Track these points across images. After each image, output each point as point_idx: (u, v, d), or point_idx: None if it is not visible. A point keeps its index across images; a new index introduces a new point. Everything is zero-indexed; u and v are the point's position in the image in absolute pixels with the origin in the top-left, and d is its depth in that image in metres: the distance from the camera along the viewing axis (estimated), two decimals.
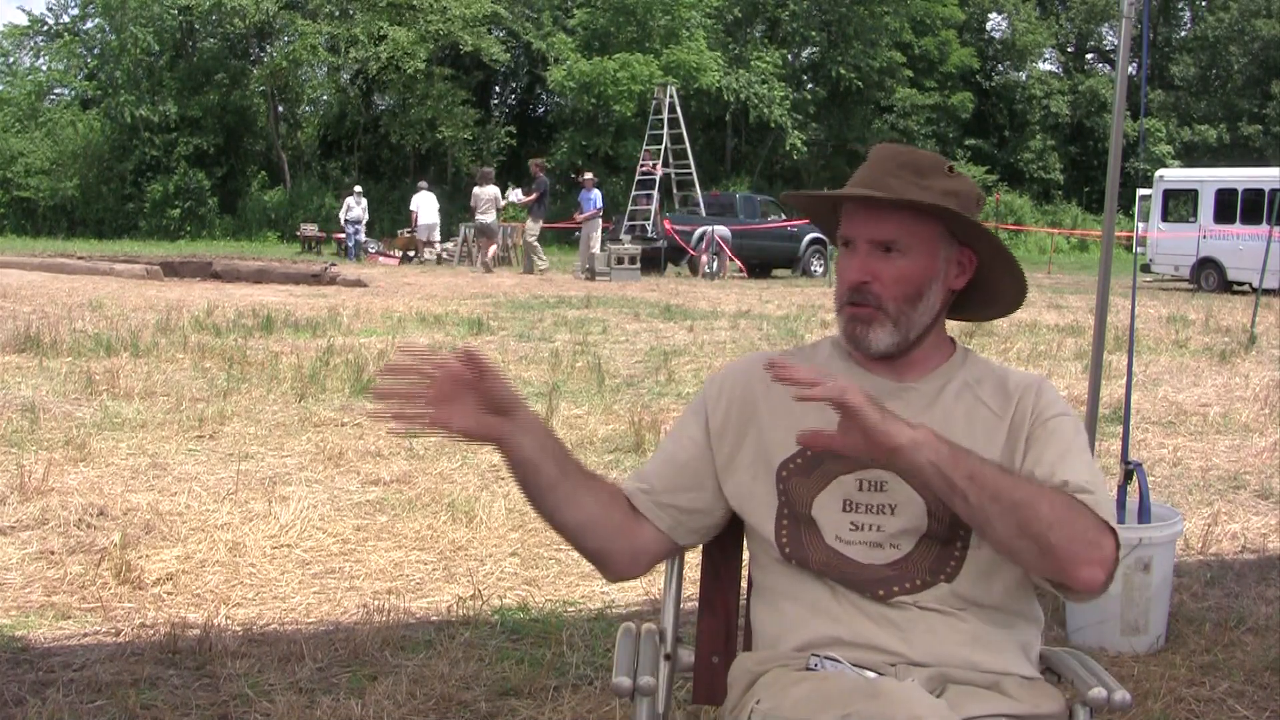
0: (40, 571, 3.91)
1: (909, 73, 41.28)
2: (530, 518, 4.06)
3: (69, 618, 3.53)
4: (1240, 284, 20.82)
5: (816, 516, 1.67)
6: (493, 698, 3.01)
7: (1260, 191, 20.85)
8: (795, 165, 40.05)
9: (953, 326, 1.85)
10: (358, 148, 39.71)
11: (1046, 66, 47.92)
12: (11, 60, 41.31)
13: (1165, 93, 44.86)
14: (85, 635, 3.40)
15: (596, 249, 20.14)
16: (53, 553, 4.08)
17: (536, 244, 21.38)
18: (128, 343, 9.16)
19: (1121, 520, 3.53)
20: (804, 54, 42.57)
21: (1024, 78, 45.56)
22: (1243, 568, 4.29)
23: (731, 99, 37.26)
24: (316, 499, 4.88)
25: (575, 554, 1.80)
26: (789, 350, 1.85)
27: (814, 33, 40.97)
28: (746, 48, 39.27)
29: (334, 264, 20.63)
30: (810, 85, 42.12)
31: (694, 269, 21.54)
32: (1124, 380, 3.99)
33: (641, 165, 25.06)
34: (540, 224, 21.51)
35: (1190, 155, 40.83)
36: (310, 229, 29.43)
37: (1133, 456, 3.72)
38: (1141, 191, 21.96)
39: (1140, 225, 22.79)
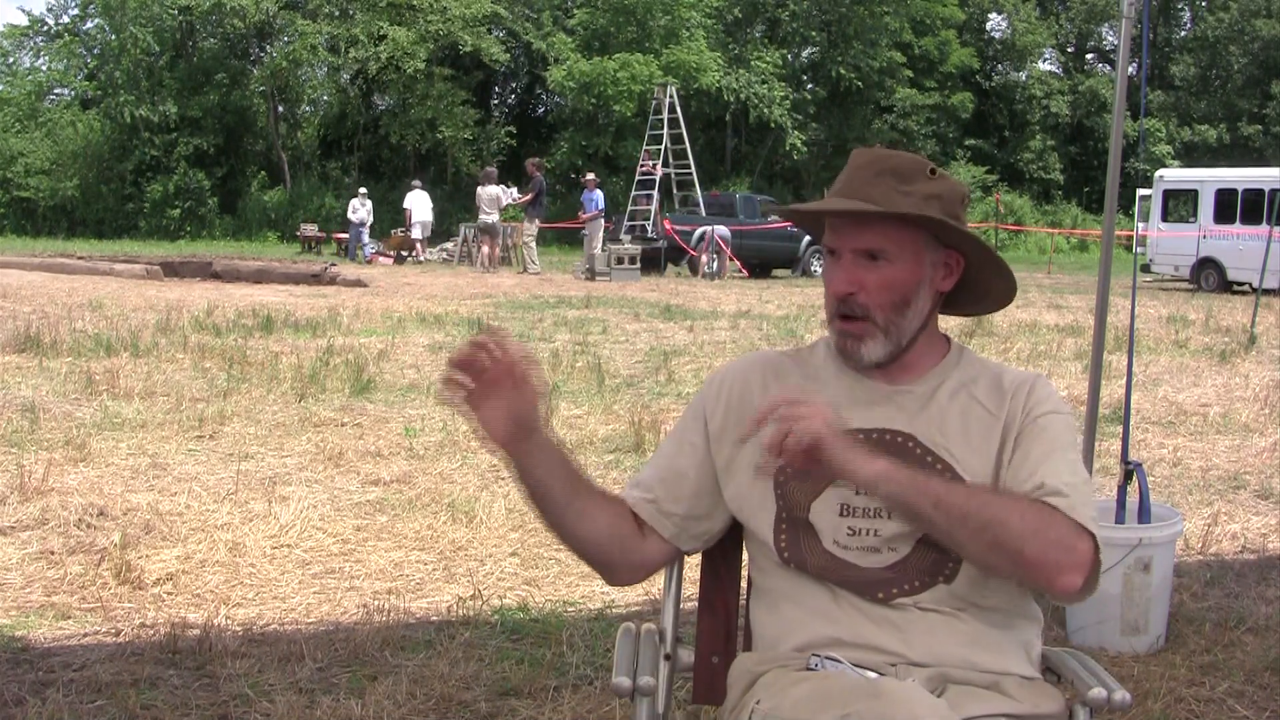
0: (40, 571, 3.91)
1: (909, 73, 41.27)
2: (530, 518, 4.05)
3: (69, 618, 3.53)
4: (1240, 284, 20.82)
5: (814, 521, 1.67)
6: (493, 698, 3.02)
7: (1260, 191, 20.85)
8: (795, 165, 40.05)
9: (953, 326, 1.85)
10: (358, 148, 39.70)
11: (1046, 66, 47.97)
12: (11, 60, 41.32)
13: (1165, 93, 44.86)
14: (85, 635, 3.40)
15: (598, 249, 20.16)
16: (53, 553, 4.08)
17: (533, 245, 21.40)
18: (128, 343, 9.16)
19: (1121, 520, 3.53)
20: (804, 54, 42.56)
21: (1024, 78, 45.57)
22: (1243, 568, 4.29)
23: (731, 99, 37.26)
24: (316, 499, 4.88)
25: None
26: (786, 350, 1.85)
27: (814, 33, 40.96)
28: (746, 48, 39.26)
29: (334, 264, 20.64)
30: (810, 85, 42.11)
31: (694, 269, 21.54)
32: (1124, 380, 3.99)
33: (641, 165, 25.06)
34: (538, 224, 21.53)
35: (1190, 155, 40.83)
36: (310, 229, 29.42)
37: (1133, 456, 3.71)
38: (1141, 191, 21.95)
39: (1140, 225, 22.79)
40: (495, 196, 21.25)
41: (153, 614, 3.56)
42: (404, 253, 24.89)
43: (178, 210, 35.43)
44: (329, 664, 3.22)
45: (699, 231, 21.98)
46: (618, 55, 34.98)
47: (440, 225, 28.54)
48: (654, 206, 23.57)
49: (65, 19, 40.00)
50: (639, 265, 20.19)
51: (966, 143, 43.08)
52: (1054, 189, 43.69)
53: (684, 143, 25.66)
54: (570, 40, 36.59)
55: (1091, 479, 3.12)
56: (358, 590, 3.85)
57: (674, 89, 26.92)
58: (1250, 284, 18.90)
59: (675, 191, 26.08)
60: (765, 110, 37.65)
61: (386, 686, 3.03)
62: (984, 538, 1.50)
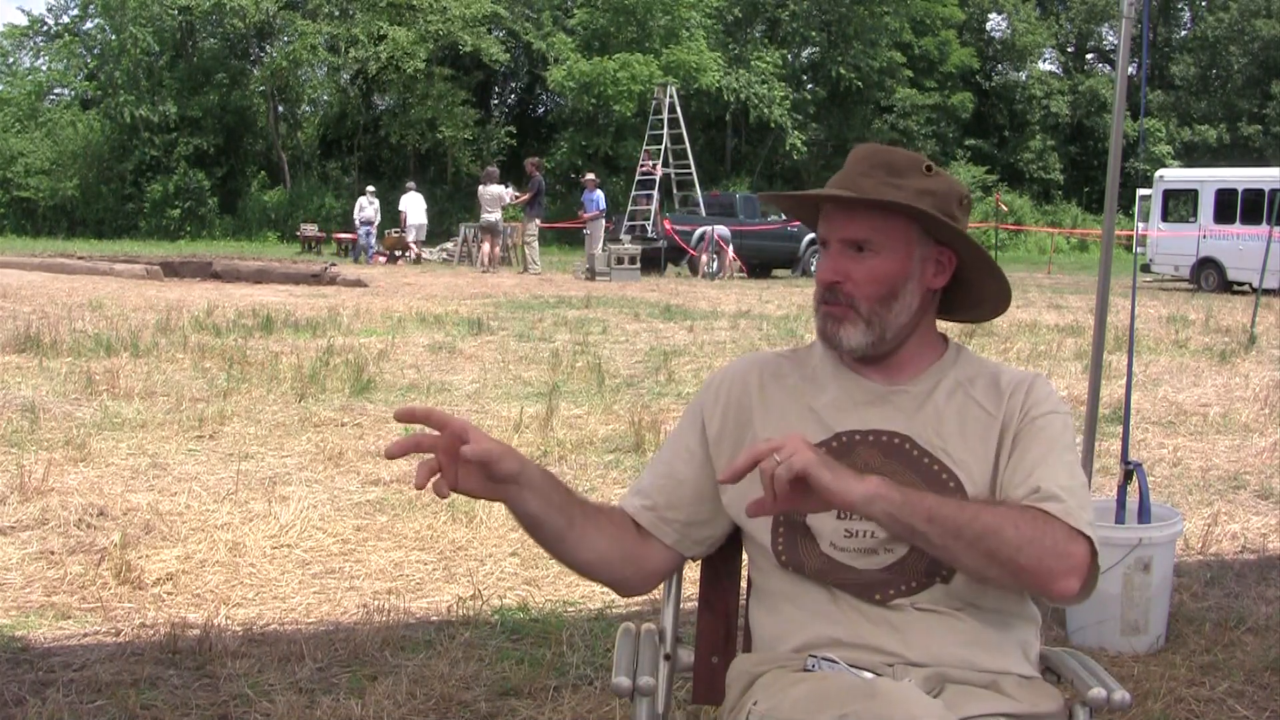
0: (40, 571, 3.91)
1: (909, 73, 41.29)
2: None
3: (69, 618, 3.53)
4: (1240, 284, 20.82)
5: (812, 523, 1.67)
6: (493, 698, 3.02)
7: (1260, 191, 20.85)
8: (795, 165, 40.04)
9: (953, 325, 1.85)
10: (358, 148, 39.71)
11: (1046, 66, 48.01)
12: (11, 60, 41.36)
13: (1165, 93, 44.87)
14: (85, 635, 3.40)
15: (598, 249, 20.16)
16: (53, 553, 4.08)
17: (535, 245, 21.42)
18: (128, 343, 9.16)
19: (1121, 520, 3.53)
20: (804, 54, 42.57)
21: (1024, 78, 45.58)
22: (1243, 568, 4.29)
23: (731, 99, 37.26)
24: (316, 499, 4.88)
25: None
26: (783, 351, 1.85)
27: (814, 33, 40.97)
28: (746, 48, 39.27)
29: (334, 264, 20.63)
30: (810, 85, 42.12)
31: (694, 269, 21.55)
32: (1124, 380, 3.99)
33: (641, 165, 25.06)
34: (538, 223, 21.54)
35: (1190, 155, 40.84)
36: (310, 229, 29.43)
37: (1133, 456, 3.71)
38: (1141, 191, 21.96)
39: (1140, 225, 22.79)
40: (497, 196, 21.28)
41: (153, 614, 3.56)
42: (396, 252, 24.91)
43: (178, 210, 35.45)
44: (329, 664, 3.22)
45: (699, 231, 21.99)
46: (618, 55, 34.99)
47: (440, 225, 28.55)
48: (654, 206, 23.58)
49: (65, 19, 40.09)
50: (639, 265, 20.20)
51: (966, 143, 43.10)
52: (1054, 189, 43.71)
53: (684, 143, 25.66)
54: (570, 40, 36.59)
55: (1091, 479, 3.13)
56: (358, 590, 3.85)
57: (674, 89, 26.92)
58: (1250, 284, 18.91)
59: (675, 191, 26.08)
60: (765, 110, 37.66)
61: (386, 686, 3.03)
62: (978, 549, 1.50)
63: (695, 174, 25.68)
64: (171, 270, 18.74)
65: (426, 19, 35.01)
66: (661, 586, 1.87)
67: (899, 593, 1.63)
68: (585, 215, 21.63)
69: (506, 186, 22.61)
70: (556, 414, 6.73)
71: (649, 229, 22.90)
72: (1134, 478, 3.53)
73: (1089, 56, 50.07)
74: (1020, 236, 37.86)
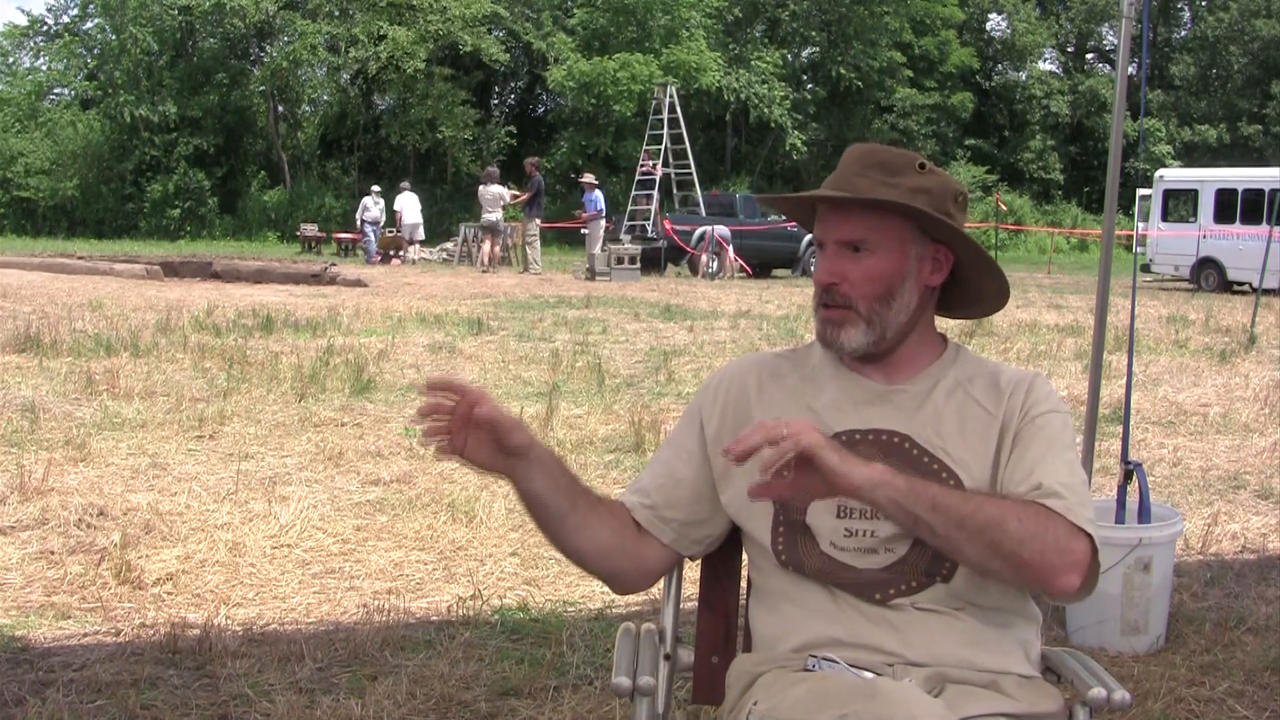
0: (40, 571, 3.91)
1: (909, 73, 41.29)
2: None
3: (69, 618, 3.53)
4: (1240, 284, 20.82)
5: (811, 523, 1.67)
6: (493, 698, 3.02)
7: (1260, 191, 20.86)
8: (795, 165, 40.05)
9: (953, 325, 1.85)
10: (358, 148, 39.71)
11: (1046, 66, 48.00)
12: (11, 60, 41.38)
13: (1165, 93, 44.87)
14: (85, 635, 3.40)
15: (598, 249, 20.17)
16: (53, 553, 4.08)
17: (537, 244, 21.42)
18: (128, 343, 9.16)
19: (1121, 520, 3.53)
20: (804, 54, 42.58)
21: (1024, 78, 45.59)
22: (1243, 568, 4.29)
23: (731, 99, 37.26)
24: (316, 499, 4.88)
25: None
26: (782, 352, 1.85)
27: (814, 33, 40.96)
28: (746, 48, 39.27)
29: (334, 264, 20.63)
30: (810, 85, 42.12)
31: (694, 269, 21.55)
32: (1124, 380, 3.99)
33: (641, 165, 25.06)
34: (538, 223, 21.54)
35: (1190, 155, 40.83)
36: (310, 229, 29.41)
37: (1133, 456, 3.71)
38: (1141, 191, 21.96)
39: (1140, 225, 22.80)
40: (497, 195, 21.29)
41: (153, 614, 3.56)
42: (390, 252, 24.91)
43: (178, 210, 35.45)
44: (329, 664, 3.22)
45: (699, 231, 21.99)
46: (618, 55, 34.99)
47: (440, 225, 28.52)
48: (654, 206, 23.57)
49: (65, 19, 40.08)
50: (639, 265, 20.20)
51: (966, 143, 43.09)
52: (1054, 189, 43.71)
53: (684, 143, 25.65)
54: (570, 40, 36.60)
55: (1091, 479, 3.12)
56: (358, 590, 3.85)
57: (674, 89, 26.91)
58: (1250, 284, 18.91)
59: (675, 191, 26.08)
60: (765, 110, 37.66)
61: (386, 686, 3.03)
62: (981, 541, 1.50)
63: (695, 174, 25.67)
64: (171, 270, 18.75)
65: (426, 19, 35.02)
66: (661, 586, 1.88)
67: (899, 592, 1.63)
68: (584, 215, 21.63)
69: (507, 186, 22.62)
70: (556, 414, 6.73)
71: (649, 229, 22.90)
72: (1134, 478, 3.53)
73: (1089, 56, 50.08)
74: (1020, 236, 37.86)
